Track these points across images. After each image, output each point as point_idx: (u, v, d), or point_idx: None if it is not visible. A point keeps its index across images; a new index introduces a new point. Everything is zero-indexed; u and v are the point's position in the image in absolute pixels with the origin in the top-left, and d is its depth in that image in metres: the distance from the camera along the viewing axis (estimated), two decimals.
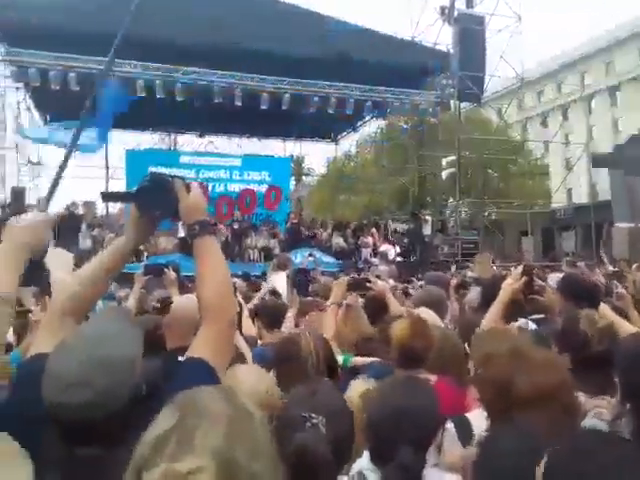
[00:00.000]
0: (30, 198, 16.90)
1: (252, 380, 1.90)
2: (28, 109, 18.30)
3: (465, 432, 2.04)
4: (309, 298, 4.65)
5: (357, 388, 2.21)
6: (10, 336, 3.66)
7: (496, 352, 1.97)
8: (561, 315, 3.42)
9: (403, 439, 1.66)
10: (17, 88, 16.55)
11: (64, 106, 17.95)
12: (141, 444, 0.85)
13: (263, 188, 20.55)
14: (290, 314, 3.84)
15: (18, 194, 15.55)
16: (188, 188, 1.63)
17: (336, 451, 1.46)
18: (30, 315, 3.36)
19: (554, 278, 4.42)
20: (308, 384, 1.77)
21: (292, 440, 1.42)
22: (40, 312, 3.35)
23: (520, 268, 3.27)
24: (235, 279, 6.76)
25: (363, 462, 1.80)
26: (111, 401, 1.25)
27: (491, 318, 3.05)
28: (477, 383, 2.08)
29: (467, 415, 2.16)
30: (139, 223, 1.67)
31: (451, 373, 2.65)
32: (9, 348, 3.42)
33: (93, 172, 21.64)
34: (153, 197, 1.61)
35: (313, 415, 1.49)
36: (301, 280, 4.28)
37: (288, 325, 3.76)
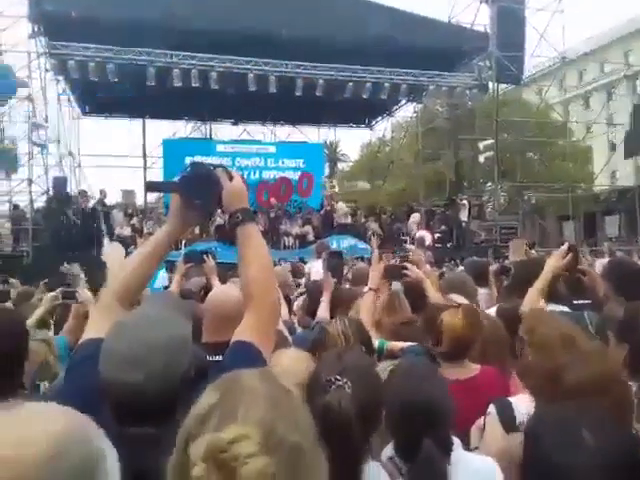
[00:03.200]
0: (71, 187, 17.37)
1: (297, 363, 1.93)
2: (68, 101, 18.72)
3: (508, 416, 2.02)
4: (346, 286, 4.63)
5: (384, 368, 2.20)
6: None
7: (547, 339, 1.91)
8: (606, 302, 3.32)
9: (422, 430, 1.65)
10: (57, 80, 16.92)
11: (103, 98, 18.37)
12: (187, 420, 0.88)
13: (297, 175, 20.60)
14: (325, 297, 3.79)
15: (60, 183, 15.97)
16: (230, 176, 1.65)
17: (364, 413, 1.48)
18: (77, 295, 3.42)
19: (601, 263, 4.28)
20: (336, 350, 1.81)
21: (319, 401, 1.46)
22: (87, 294, 3.42)
23: (565, 245, 3.16)
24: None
25: (393, 446, 1.80)
26: (164, 381, 1.30)
27: (531, 298, 2.96)
28: (526, 370, 2.04)
29: (510, 399, 2.12)
30: (182, 212, 1.69)
31: (495, 361, 2.60)
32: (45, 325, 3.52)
33: (131, 161, 22.07)
34: (196, 186, 1.63)
35: (338, 377, 1.52)
36: (335, 263, 4.23)
37: (323, 309, 3.72)
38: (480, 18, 18.82)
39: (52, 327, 3.68)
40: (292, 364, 1.91)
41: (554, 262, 3.07)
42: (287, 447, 0.83)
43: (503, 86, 20.10)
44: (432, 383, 1.83)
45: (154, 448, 1.18)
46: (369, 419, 1.53)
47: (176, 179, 1.67)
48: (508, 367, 2.72)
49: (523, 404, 1.99)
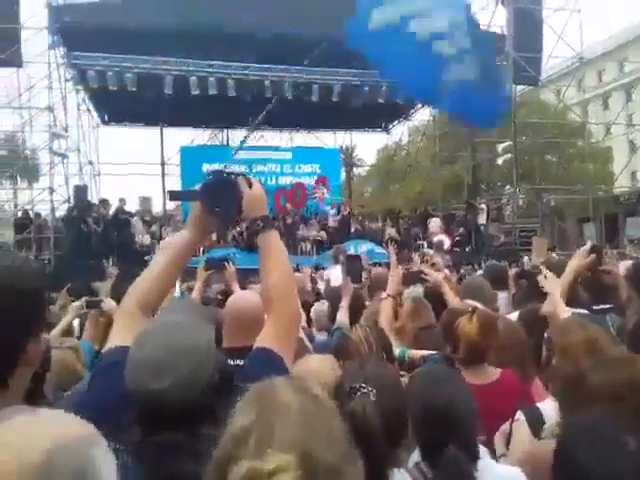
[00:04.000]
0: (91, 195, 17.60)
1: (322, 364, 1.94)
2: (88, 110, 19.00)
3: (536, 422, 2.00)
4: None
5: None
6: (76, 325, 3.82)
7: (570, 344, 1.89)
8: (629, 305, 3.26)
9: (447, 434, 1.65)
10: (77, 90, 17.17)
11: (122, 106, 18.60)
12: (222, 440, 0.89)
13: (312, 180, 20.65)
14: (344, 304, 3.79)
15: (81, 192, 16.19)
16: (250, 184, 1.67)
17: (388, 421, 1.48)
18: (102, 304, 3.46)
19: (625, 266, 4.21)
20: (358, 360, 1.83)
21: (343, 408, 1.43)
22: (112, 303, 3.46)
23: (588, 245, 3.11)
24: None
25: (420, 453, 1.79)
26: (189, 387, 1.31)
27: (553, 300, 2.93)
28: (549, 375, 2.01)
29: (538, 405, 2.10)
30: (203, 219, 1.71)
31: (514, 365, 2.58)
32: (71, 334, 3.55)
33: (149, 169, 22.29)
34: (217, 194, 1.65)
35: (363, 385, 1.53)
36: (354, 267, 4.22)
37: (342, 314, 3.71)
38: (496, 19, 18.71)
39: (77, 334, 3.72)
40: (318, 366, 1.93)
41: (577, 262, 3.03)
42: (324, 469, 0.84)
43: (521, 87, 19.91)
44: (453, 386, 1.83)
45: (179, 454, 1.23)
46: (394, 427, 1.53)
47: (197, 187, 1.69)
48: (529, 372, 2.69)
49: (551, 410, 1.97)
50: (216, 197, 1.65)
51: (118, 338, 1.59)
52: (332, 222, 17.64)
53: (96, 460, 0.76)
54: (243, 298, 2.58)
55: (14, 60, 14.89)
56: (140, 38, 14.12)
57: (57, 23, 14.52)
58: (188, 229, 1.75)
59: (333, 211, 18.34)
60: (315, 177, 20.72)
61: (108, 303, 3.45)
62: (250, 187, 1.67)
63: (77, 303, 3.60)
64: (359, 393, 1.52)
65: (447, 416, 1.68)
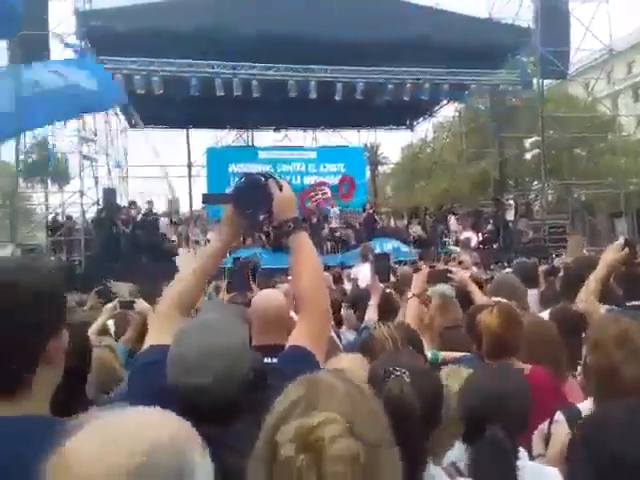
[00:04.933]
0: (120, 197, 17.88)
1: (355, 364, 1.97)
2: (115, 114, 19.31)
3: (576, 423, 1.95)
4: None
5: (445, 373, 2.18)
6: (111, 325, 3.89)
7: (601, 338, 1.86)
8: None
9: (495, 422, 1.67)
10: None
11: (149, 109, 18.87)
12: (273, 410, 0.92)
13: (337, 179, 20.64)
14: (373, 302, 3.78)
15: (109, 194, 16.48)
16: (280, 186, 1.71)
17: (423, 406, 1.49)
18: (135, 305, 3.53)
19: None
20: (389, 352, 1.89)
21: (379, 391, 1.45)
22: (144, 304, 3.51)
23: (622, 239, 3.04)
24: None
25: (455, 452, 1.81)
26: (227, 383, 1.37)
27: (586, 294, 2.87)
28: (584, 371, 2.00)
29: (578, 405, 2.07)
30: (234, 222, 1.76)
31: (546, 362, 2.54)
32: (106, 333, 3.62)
33: (176, 171, 22.59)
34: (248, 196, 1.70)
35: (397, 368, 1.54)
36: (383, 265, 4.20)
37: (371, 312, 3.71)
38: (522, 13, 18.43)
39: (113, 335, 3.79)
40: (349, 364, 1.95)
41: (610, 256, 2.96)
42: (369, 438, 0.86)
43: (549, 81, 19.58)
44: (511, 380, 1.85)
45: (219, 448, 1.25)
46: (429, 412, 1.54)
47: (229, 190, 1.75)
48: (562, 370, 2.64)
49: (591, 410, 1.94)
50: (247, 199, 1.70)
51: (154, 338, 1.65)
52: (335, 223, 17.57)
53: (193, 461, 0.77)
54: (268, 297, 2.62)
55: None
56: (165, 41, 14.30)
57: (84, 28, 14.80)
58: (221, 231, 1.81)
59: (334, 210, 18.26)
60: (340, 176, 20.70)
61: (140, 304, 3.51)
62: (280, 189, 1.71)
63: (110, 304, 3.67)
64: (393, 376, 1.53)
65: (499, 408, 1.71)
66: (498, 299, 3.02)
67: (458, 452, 1.80)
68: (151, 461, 0.72)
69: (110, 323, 3.83)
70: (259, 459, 0.89)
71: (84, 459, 0.70)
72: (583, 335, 2.23)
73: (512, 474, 1.64)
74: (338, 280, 8.28)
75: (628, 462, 1.24)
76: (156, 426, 0.78)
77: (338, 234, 16.97)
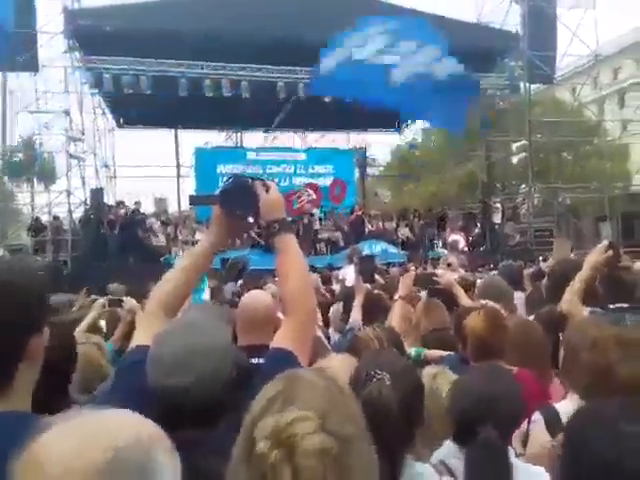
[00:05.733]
0: (107, 197, 17.77)
1: (344, 365, 1.97)
2: (103, 113, 19.20)
3: (554, 423, 2.01)
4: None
5: (428, 372, 2.21)
6: (103, 325, 3.89)
7: (600, 338, 1.90)
8: None
9: (487, 423, 1.68)
10: (92, 94, 17.36)
11: (137, 109, 18.78)
12: (251, 407, 0.95)
13: (327, 181, 20.65)
14: (357, 303, 3.80)
15: (97, 194, 16.37)
16: (267, 188, 1.72)
17: (403, 407, 1.52)
18: (123, 304, 3.53)
19: None
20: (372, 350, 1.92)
21: (360, 392, 1.50)
22: (132, 302, 3.52)
23: (605, 242, 3.09)
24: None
25: (444, 451, 1.84)
26: (209, 384, 1.36)
27: (568, 298, 2.91)
28: (573, 369, 2.03)
29: (555, 406, 2.10)
30: (223, 223, 1.77)
31: (532, 364, 2.57)
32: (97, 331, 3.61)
33: (164, 171, 22.49)
34: (235, 197, 1.72)
35: (378, 371, 1.57)
36: (367, 267, 4.24)
37: (355, 313, 3.73)
38: (510, 18, 18.59)
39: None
40: (339, 365, 1.97)
41: (594, 258, 3.00)
42: (341, 434, 0.89)
43: (535, 86, 19.76)
44: (502, 381, 1.88)
45: (200, 450, 1.26)
46: (409, 413, 1.56)
47: (217, 191, 1.75)
48: (548, 372, 2.68)
49: (569, 411, 1.97)
50: (234, 201, 1.71)
51: (141, 338, 1.65)
52: (317, 224, 17.60)
53: (158, 459, 0.78)
54: (255, 298, 2.62)
55: (31, 65, 15.10)
56: (154, 41, 14.24)
57: (72, 27, 14.70)
58: (210, 232, 1.82)
59: (316, 211, 18.28)
60: (330, 178, 20.72)
61: (129, 302, 3.51)
62: (267, 191, 1.72)
63: (100, 301, 3.68)
64: (374, 379, 1.56)
65: (490, 409, 1.73)
66: (485, 302, 3.06)
67: (447, 450, 1.82)
68: (114, 459, 0.73)
69: (102, 322, 3.84)
70: (238, 455, 0.92)
71: (51, 457, 0.73)
72: (561, 335, 2.27)
73: (507, 475, 1.66)
74: (327, 281, 8.31)
75: (615, 463, 1.27)
76: (121, 426, 0.79)
77: (322, 236, 17.00)
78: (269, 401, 0.93)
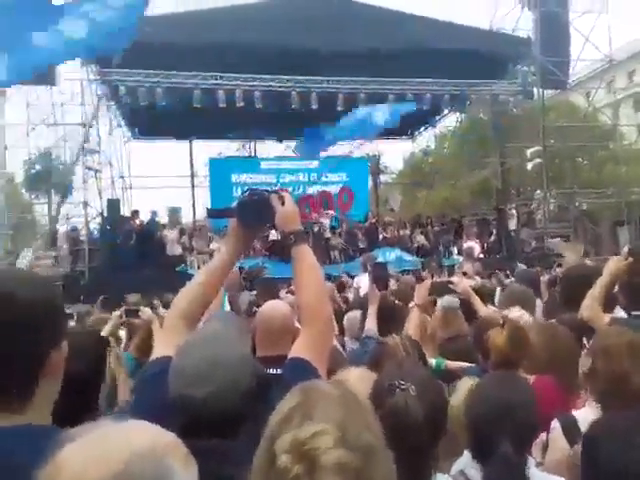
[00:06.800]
0: (123, 208, 17.96)
1: (363, 381, 1.96)
2: (119, 125, 19.44)
3: (572, 431, 1.99)
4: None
5: (465, 386, 2.18)
6: (122, 334, 3.91)
7: (614, 345, 1.88)
8: None
9: (504, 434, 1.67)
10: (108, 106, 17.60)
11: (152, 121, 18.99)
12: (270, 421, 0.97)
13: (337, 189, 20.71)
14: (371, 310, 3.77)
15: (113, 205, 16.55)
16: (282, 201, 1.75)
17: (428, 418, 1.52)
18: (140, 314, 3.54)
19: None
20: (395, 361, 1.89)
21: (385, 404, 1.50)
22: (149, 312, 3.53)
23: (626, 248, 3.06)
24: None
25: (464, 460, 1.83)
26: (228, 395, 1.37)
27: (588, 304, 2.88)
28: (590, 377, 2.01)
29: (574, 414, 2.08)
30: (239, 235, 1.81)
31: (559, 372, 2.51)
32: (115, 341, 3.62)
33: (179, 181, 22.69)
34: (252, 210, 1.75)
35: (402, 382, 1.57)
36: (381, 274, 4.21)
37: (370, 322, 3.70)
38: (522, 24, 18.57)
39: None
40: (358, 377, 1.97)
41: (614, 265, 2.98)
42: (361, 445, 0.91)
43: (550, 91, 19.68)
44: (518, 391, 1.85)
45: (219, 459, 1.27)
46: (434, 424, 1.56)
47: (233, 204, 1.79)
48: (576, 379, 2.61)
49: (588, 418, 1.94)
50: (251, 213, 1.75)
51: (160, 350, 1.68)
52: (329, 233, 17.59)
53: (174, 467, 0.80)
54: (273, 308, 2.62)
55: (48, 78, 15.34)
56: (168, 53, 14.42)
57: None
58: (227, 244, 1.85)
59: (327, 221, 18.28)
60: (340, 186, 20.73)
61: (146, 312, 3.53)
62: (283, 203, 1.75)
63: (117, 312, 3.70)
64: (398, 389, 1.56)
65: (506, 418, 1.71)
66: (507, 312, 3.02)
67: (466, 460, 1.82)
68: (129, 469, 0.75)
69: (122, 333, 3.86)
70: (258, 468, 0.94)
71: (69, 469, 0.75)
72: (585, 341, 2.24)
73: None
74: (342, 289, 8.31)
75: (630, 473, 1.26)
76: (137, 436, 0.81)
77: (334, 243, 17.01)
78: (287, 415, 0.95)
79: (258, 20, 14.84)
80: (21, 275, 1.26)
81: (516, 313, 3.01)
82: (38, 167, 19.96)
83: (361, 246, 17.12)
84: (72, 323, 4.90)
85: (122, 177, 19.81)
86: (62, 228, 17.19)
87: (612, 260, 3.07)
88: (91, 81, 15.90)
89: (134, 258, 15.34)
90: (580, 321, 2.94)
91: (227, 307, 5.53)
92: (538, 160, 21.84)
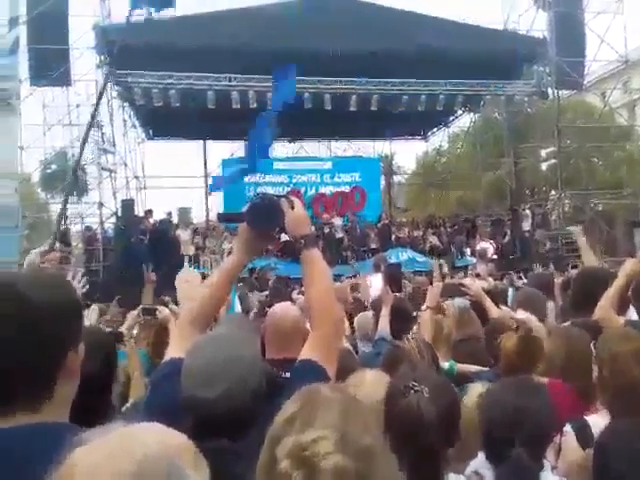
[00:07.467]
0: (137, 208, 18.09)
1: (378, 385, 1.98)
2: (133, 126, 19.59)
3: (585, 436, 1.99)
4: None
5: (475, 391, 2.19)
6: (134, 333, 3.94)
7: (621, 351, 1.87)
8: None
9: (518, 438, 1.67)
10: (123, 107, 17.74)
11: (166, 122, 19.13)
12: (272, 426, 0.99)
13: (349, 189, 20.69)
14: (384, 312, 3.76)
15: (128, 205, 16.67)
16: (292, 205, 1.77)
17: (441, 420, 1.53)
18: (157, 313, 3.57)
19: None
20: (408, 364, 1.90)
21: (398, 405, 1.52)
22: (166, 311, 3.56)
23: None
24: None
25: (479, 461, 1.83)
26: (240, 394, 1.40)
27: (603, 304, 2.86)
28: (598, 385, 2.00)
29: (587, 418, 2.09)
30: (250, 239, 1.83)
31: (573, 377, 2.49)
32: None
33: (192, 182, 22.80)
34: (262, 215, 1.77)
35: (415, 384, 1.58)
36: (395, 275, 4.20)
37: (383, 323, 3.69)
38: (537, 24, 18.44)
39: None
40: (373, 380, 2.00)
41: (631, 266, 2.95)
42: (360, 448, 0.92)
43: (565, 91, 19.52)
44: (534, 396, 1.85)
45: (232, 461, 1.28)
46: (446, 426, 1.57)
47: (244, 209, 1.81)
48: (590, 383, 2.58)
49: (600, 423, 1.95)
50: (261, 218, 1.77)
51: (173, 351, 1.72)
52: (341, 233, 17.56)
53: (185, 469, 0.81)
54: (282, 311, 2.62)
55: (64, 79, 15.51)
56: (182, 55, 14.53)
57: (104, 43, 15.08)
58: (237, 248, 1.88)
59: (338, 221, 18.25)
60: (352, 186, 20.71)
61: (163, 311, 3.56)
62: (292, 208, 1.77)
63: (134, 311, 3.73)
64: (412, 391, 1.57)
65: (520, 422, 1.71)
66: (518, 315, 2.99)
67: (480, 461, 1.82)
68: (141, 470, 0.76)
69: (135, 331, 3.89)
70: (261, 469, 0.96)
71: (81, 470, 0.77)
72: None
73: None
74: (354, 289, 8.29)
75: (627, 475, 1.26)
76: (148, 438, 0.82)
77: (346, 244, 17.00)
78: (289, 419, 0.97)
79: (271, 22, 14.90)
80: (39, 277, 1.28)
81: (521, 316, 2.99)
82: (54, 167, 20.16)
83: (373, 246, 17.09)
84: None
85: (136, 177, 19.96)
86: (76, 227, 17.35)
87: (628, 262, 3.05)
88: (106, 83, 16.03)
89: (148, 258, 15.43)
90: (594, 324, 2.92)
91: (237, 306, 5.55)
92: (553, 160, 21.67)
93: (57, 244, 14.22)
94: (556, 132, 18.38)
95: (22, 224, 16.41)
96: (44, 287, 1.19)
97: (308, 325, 2.79)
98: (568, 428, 2.05)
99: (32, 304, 1.14)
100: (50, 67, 14.72)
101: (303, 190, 19.97)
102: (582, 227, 5.72)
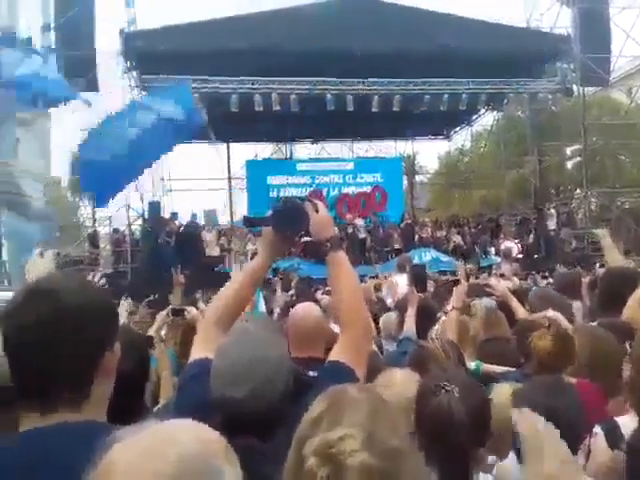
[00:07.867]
0: (163, 210, 18.35)
1: (410, 382, 2.01)
2: None
3: (614, 437, 1.99)
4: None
5: (502, 391, 2.20)
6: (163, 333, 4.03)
7: None
8: None
9: None
10: None
11: None
12: (300, 425, 1.02)
13: (370, 189, 20.69)
14: (410, 312, 3.76)
15: (154, 207, 16.92)
16: (316, 209, 1.81)
17: (471, 420, 1.55)
18: (186, 313, 3.65)
19: None
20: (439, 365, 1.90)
21: (429, 404, 1.55)
22: (194, 311, 3.65)
23: None
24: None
25: (508, 462, 1.84)
26: (268, 394, 1.43)
27: (631, 304, 2.84)
28: (628, 386, 2.01)
29: (617, 419, 2.09)
30: (274, 242, 1.87)
31: (601, 377, 2.48)
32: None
33: (216, 184, 23.01)
34: (286, 219, 1.81)
35: (446, 384, 1.61)
36: (420, 276, 4.22)
37: (409, 324, 3.73)
38: (561, 21, 18.22)
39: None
40: (403, 380, 2.02)
41: None
42: (387, 448, 0.95)
43: (590, 88, 19.25)
44: (563, 397, 1.86)
45: (260, 460, 1.30)
46: (476, 425, 1.59)
47: (268, 213, 1.85)
48: (617, 384, 2.57)
49: (630, 424, 1.94)
50: (285, 222, 1.80)
51: (198, 352, 1.75)
52: (363, 233, 17.55)
53: (221, 466, 0.84)
54: (304, 311, 2.65)
55: (91, 85, 15.80)
56: (206, 59, 14.72)
57: (129, 48, 15.35)
58: (261, 250, 1.92)
59: (360, 221, 18.21)
60: (373, 186, 20.69)
61: (192, 311, 3.64)
62: (317, 211, 1.81)
63: (163, 312, 3.80)
64: (443, 391, 1.60)
65: (551, 421, 1.72)
66: (548, 314, 3.00)
67: (510, 461, 1.81)
68: (179, 468, 0.79)
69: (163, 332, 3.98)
70: (289, 469, 1.00)
71: (119, 468, 0.79)
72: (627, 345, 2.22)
73: None
74: (377, 289, 8.33)
75: None
76: (186, 436, 0.84)
77: (369, 244, 17.00)
78: (316, 418, 0.99)
79: (293, 24, 15.00)
80: (76, 279, 1.34)
81: (551, 315, 2.99)
82: None
83: (396, 247, 17.07)
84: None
85: (162, 180, 20.22)
86: (104, 230, 17.66)
87: None
88: (132, 87, 16.31)
89: (175, 259, 15.64)
90: (622, 324, 2.90)
91: (262, 306, 5.60)
92: (578, 158, 21.37)
93: (58, 252, 14.52)
94: (582, 130, 18.13)
95: (53, 227, 16.78)
96: (81, 291, 1.26)
97: (333, 325, 2.84)
98: (598, 429, 2.05)
99: (72, 308, 1.20)
100: (79, 73, 15.01)
101: (325, 191, 20.04)
102: (608, 228, 5.62)
